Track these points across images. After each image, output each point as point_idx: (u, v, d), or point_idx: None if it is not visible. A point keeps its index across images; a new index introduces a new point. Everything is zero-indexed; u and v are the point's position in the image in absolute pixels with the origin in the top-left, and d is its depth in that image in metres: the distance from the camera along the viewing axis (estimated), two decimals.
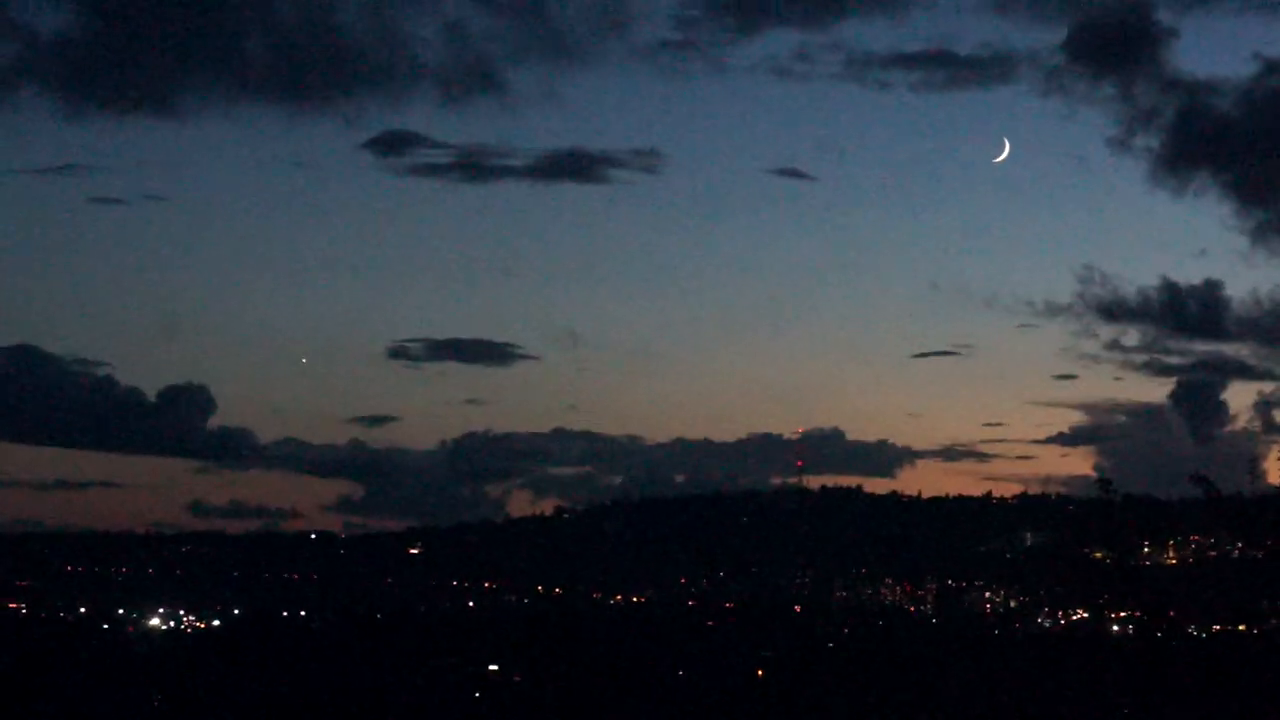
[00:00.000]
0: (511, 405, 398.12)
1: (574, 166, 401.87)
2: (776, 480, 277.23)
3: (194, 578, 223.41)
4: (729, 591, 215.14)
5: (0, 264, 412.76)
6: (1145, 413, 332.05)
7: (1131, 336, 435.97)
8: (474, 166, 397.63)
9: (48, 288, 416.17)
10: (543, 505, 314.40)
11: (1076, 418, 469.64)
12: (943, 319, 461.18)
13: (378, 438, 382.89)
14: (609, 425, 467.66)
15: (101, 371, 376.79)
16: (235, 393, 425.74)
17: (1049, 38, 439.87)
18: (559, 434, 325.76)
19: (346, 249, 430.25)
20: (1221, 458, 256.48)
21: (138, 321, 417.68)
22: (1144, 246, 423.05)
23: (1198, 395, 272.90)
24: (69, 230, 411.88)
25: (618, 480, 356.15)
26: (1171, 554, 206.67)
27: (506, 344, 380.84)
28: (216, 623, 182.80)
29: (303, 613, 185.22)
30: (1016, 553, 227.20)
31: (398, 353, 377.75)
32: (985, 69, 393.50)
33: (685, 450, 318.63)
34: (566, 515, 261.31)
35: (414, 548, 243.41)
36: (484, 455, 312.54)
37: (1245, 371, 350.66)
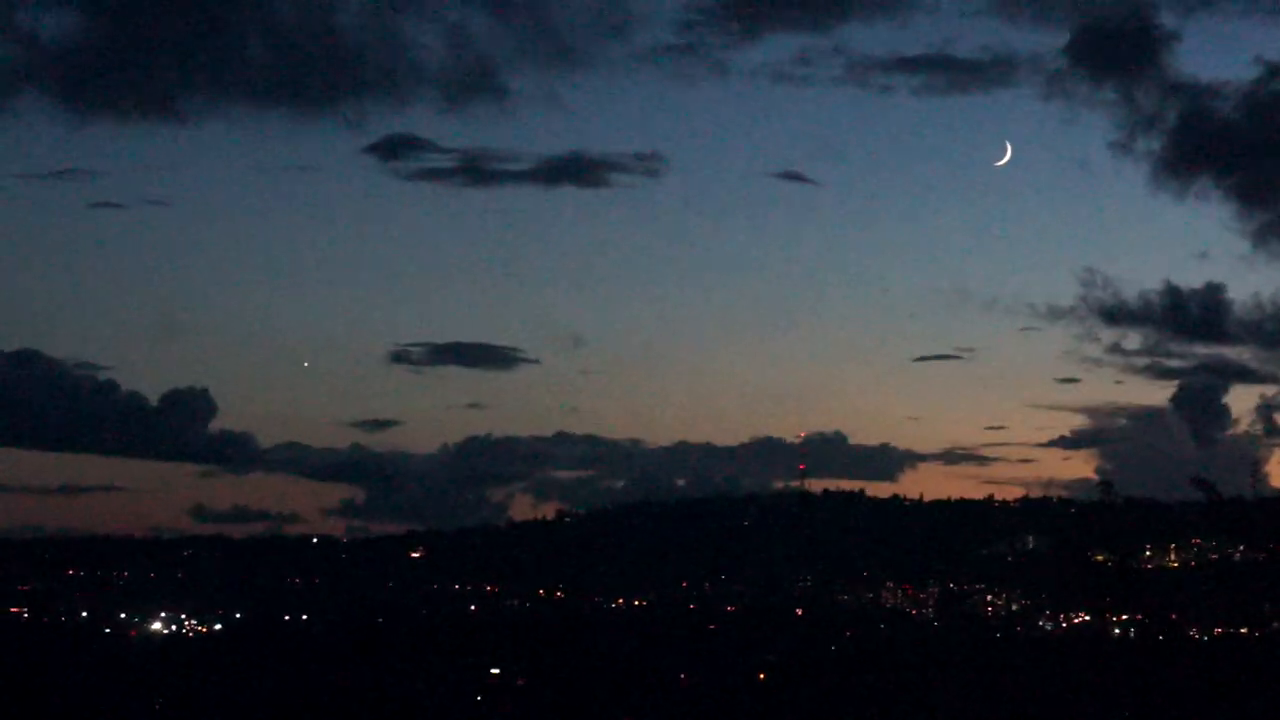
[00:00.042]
0: (513, 409, 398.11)
1: (575, 170, 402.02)
2: (778, 484, 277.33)
3: (196, 582, 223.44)
4: (731, 595, 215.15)
5: (2, 268, 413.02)
6: (1147, 416, 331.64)
7: (1133, 340, 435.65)
8: (476, 170, 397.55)
9: (49, 292, 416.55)
10: (545, 509, 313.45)
11: (1078, 421, 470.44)
12: (944, 322, 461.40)
13: (379, 441, 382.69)
14: (611, 429, 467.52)
15: (103, 376, 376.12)
16: (237, 397, 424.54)
17: (1051, 41, 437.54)
18: (561, 437, 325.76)
19: (348, 253, 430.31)
20: (1223, 461, 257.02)
21: (139, 326, 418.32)
22: (1146, 250, 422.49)
23: (1199, 398, 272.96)
24: (71, 235, 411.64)
25: (620, 484, 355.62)
26: (1173, 557, 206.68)
27: (508, 348, 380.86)
28: (218, 626, 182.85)
29: (305, 616, 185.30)
30: (1018, 556, 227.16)
31: (399, 356, 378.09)
32: (987, 73, 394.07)
33: (687, 454, 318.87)
34: (568, 519, 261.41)
35: (416, 551, 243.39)
36: (486, 459, 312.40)
37: (1247, 375, 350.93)
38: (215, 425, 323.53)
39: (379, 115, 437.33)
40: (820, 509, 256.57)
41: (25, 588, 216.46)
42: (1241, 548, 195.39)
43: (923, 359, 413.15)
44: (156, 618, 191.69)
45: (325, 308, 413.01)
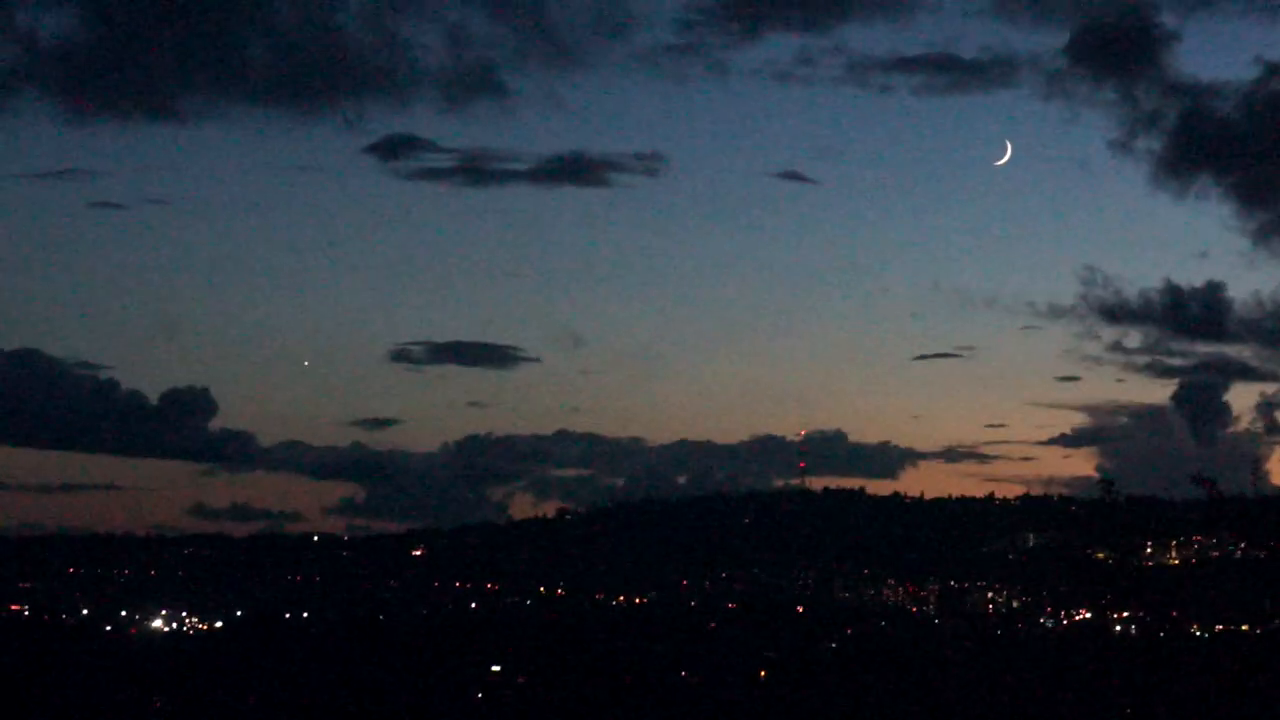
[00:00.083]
0: (513, 408, 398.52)
1: (576, 170, 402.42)
2: (779, 482, 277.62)
3: (196, 580, 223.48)
4: (731, 593, 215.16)
5: (2, 268, 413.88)
6: (1147, 414, 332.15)
7: (1134, 338, 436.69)
8: (476, 170, 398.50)
9: (50, 292, 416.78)
10: (545, 507, 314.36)
11: (1079, 419, 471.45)
12: (945, 321, 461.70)
13: (380, 440, 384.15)
14: (611, 427, 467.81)
15: (104, 375, 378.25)
16: (237, 395, 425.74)
17: (1051, 41, 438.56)
18: (561, 436, 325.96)
19: (348, 252, 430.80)
20: (1224, 459, 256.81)
21: (140, 325, 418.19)
22: (1146, 248, 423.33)
23: (1200, 396, 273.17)
24: (71, 234, 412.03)
25: (620, 482, 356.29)
26: (1174, 555, 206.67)
27: (508, 347, 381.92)
28: (219, 624, 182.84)
29: (305, 614, 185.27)
30: (1019, 553, 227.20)
31: (400, 355, 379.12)
32: (987, 72, 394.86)
33: (687, 452, 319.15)
34: (569, 517, 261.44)
35: (416, 550, 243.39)
36: (486, 457, 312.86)
37: (1247, 373, 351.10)
38: (216, 424, 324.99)
39: (379, 115, 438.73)
40: (821, 507, 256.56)
41: (26, 586, 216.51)
42: (1242, 545, 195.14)
43: (923, 357, 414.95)
44: (157, 616, 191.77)
45: (325, 307, 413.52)
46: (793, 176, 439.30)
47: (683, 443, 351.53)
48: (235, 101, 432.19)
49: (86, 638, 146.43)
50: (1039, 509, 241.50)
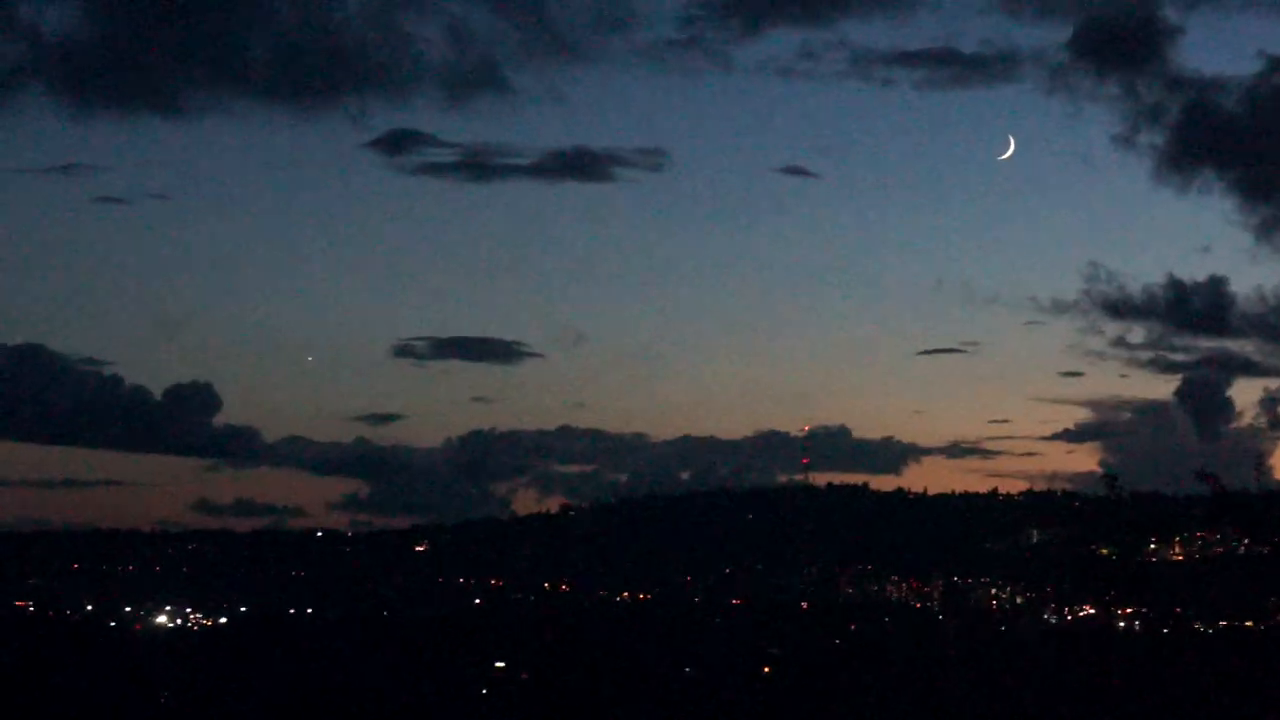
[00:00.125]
0: (517, 403, 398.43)
1: (579, 165, 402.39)
2: (782, 478, 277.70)
3: (200, 575, 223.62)
4: (735, 589, 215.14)
5: (6, 263, 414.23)
6: (1151, 409, 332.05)
7: (1137, 333, 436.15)
8: (479, 165, 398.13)
9: (53, 287, 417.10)
10: (549, 503, 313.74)
11: (1082, 414, 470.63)
12: (948, 316, 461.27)
13: (383, 436, 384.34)
14: (615, 423, 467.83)
15: (107, 370, 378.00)
16: (241, 391, 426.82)
17: (1054, 36, 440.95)
18: (564, 431, 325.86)
19: (351, 248, 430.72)
20: (1227, 454, 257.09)
21: (143, 321, 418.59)
22: (1149, 243, 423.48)
23: (1203, 392, 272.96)
24: (74, 230, 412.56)
25: (624, 478, 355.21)
26: (1178, 550, 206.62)
27: (512, 342, 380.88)
28: (223, 620, 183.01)
29: (309, 610, 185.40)
30: (1023, 549, 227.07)
31: (403, 351, 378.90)
32: (990, 67, 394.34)
33: (691, 448, 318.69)
34: (572, 513, 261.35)
35: (420, 545, 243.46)
36: (490, 453, 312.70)
37: (1251, 368, 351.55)
38: (219, 420, 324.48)
39: (381, 110, 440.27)
40: (824, 503, 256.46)
41: (31, 582, 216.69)
42: (1246, 541, 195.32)
43: (926, 353, 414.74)
44: (161, 611, 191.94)
45: (328, 302, 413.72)
46: (795, 171, 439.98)
47: (686, 438, 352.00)
48: (238, 97, 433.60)
49: (91, 634, 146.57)
50: (1043, 505, 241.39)
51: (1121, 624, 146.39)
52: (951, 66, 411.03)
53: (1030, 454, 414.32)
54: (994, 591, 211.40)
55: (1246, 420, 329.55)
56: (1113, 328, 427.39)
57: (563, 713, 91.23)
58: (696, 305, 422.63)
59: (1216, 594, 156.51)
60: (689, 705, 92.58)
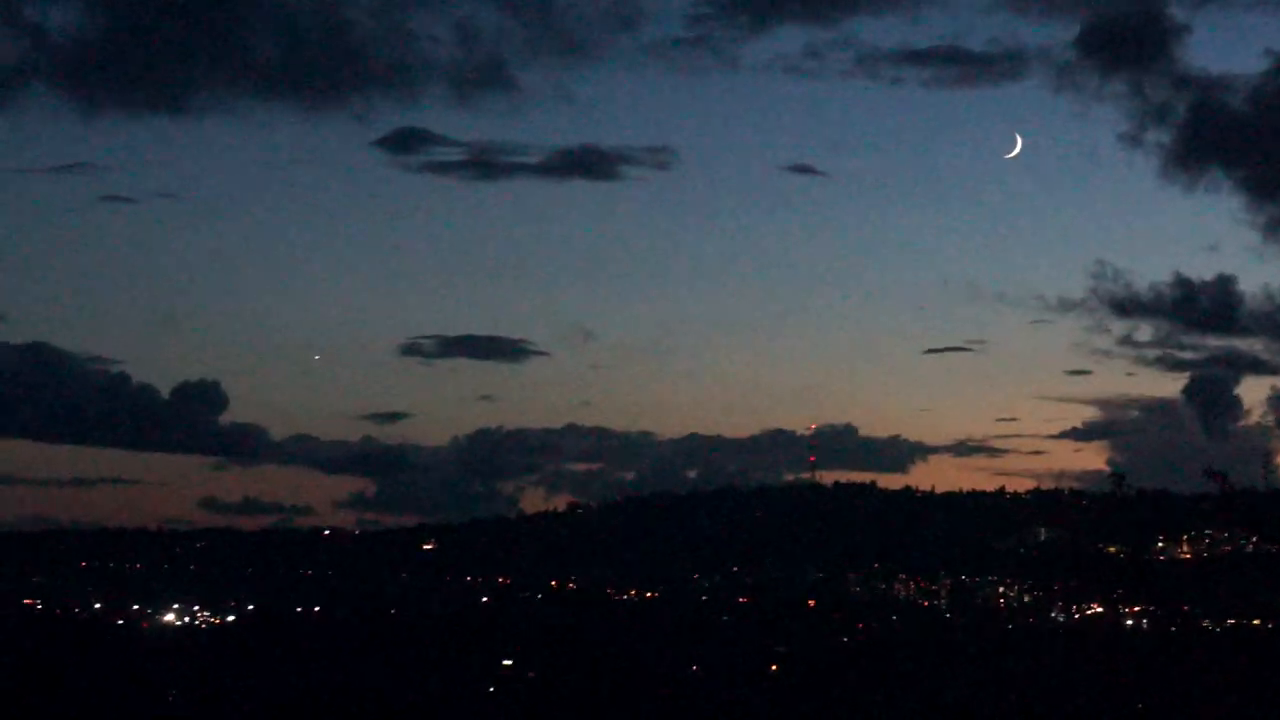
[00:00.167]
0: (524, 401, 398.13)
1: (585, 163, 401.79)
2: (789, 476, 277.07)
3: (208, 574, 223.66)
4: (742, 587, 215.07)
5: (13, 262, 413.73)
6: (1158, 408, 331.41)
7: (1144, 332, 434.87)
8: (485, 164, 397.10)
9: (59, 286, 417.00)
10: (556, 501, 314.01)
11: (1089, 413, 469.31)
12: (955, 315, 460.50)
13: (390, 434, 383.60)
14: (621, 421, 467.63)
15: (114, 369, 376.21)
16: (248, 389, 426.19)
17: (1061, 34, 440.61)
18: (571, 430, 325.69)
19: (358, 246, 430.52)
20: (1235, 453, 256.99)
21: (150, 319, 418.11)
22: (1156, 242, 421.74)
23: (1211, 390, 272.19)
24: (80, 228, 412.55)
25: (630, 476, 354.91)
26: (1185, 549, 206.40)
27: (519, 340, 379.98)
28: (230, 618, 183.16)
29: (316, 609, 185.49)
30: (1030, 548, 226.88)
31: (410, 349, 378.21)
32: (997, 65, 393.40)
33: (698, 446, 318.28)
34: (579, 511, 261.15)
35: (427, 544, 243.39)
36: (497, 451, 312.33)
37: (1258, 366, 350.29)
38: (226, 418, 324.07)
39: (388, 109, 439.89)
40: (831, 501, 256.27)
41: (38, 580, 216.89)
42: (1254, 539, 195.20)
43: (933, 351, 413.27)
44: (169, 609, 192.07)
45: (335, 301, 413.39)
46: (803, 169, 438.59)
47: (693, 437, 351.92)
48: (244, 95, 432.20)
49: (98, 632, 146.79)
50: (1050, 503, 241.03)
51: (1129, 622, 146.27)
52: (958, 65, 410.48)
53: (1037, 452, 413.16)
54: (1001, 590, 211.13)
55: (1254, 418, 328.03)
56: (1120, 326, 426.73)
57: (570, 711, 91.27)
58: (703, 303, 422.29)
59: (1224, 592, 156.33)
60: (696, 703, 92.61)
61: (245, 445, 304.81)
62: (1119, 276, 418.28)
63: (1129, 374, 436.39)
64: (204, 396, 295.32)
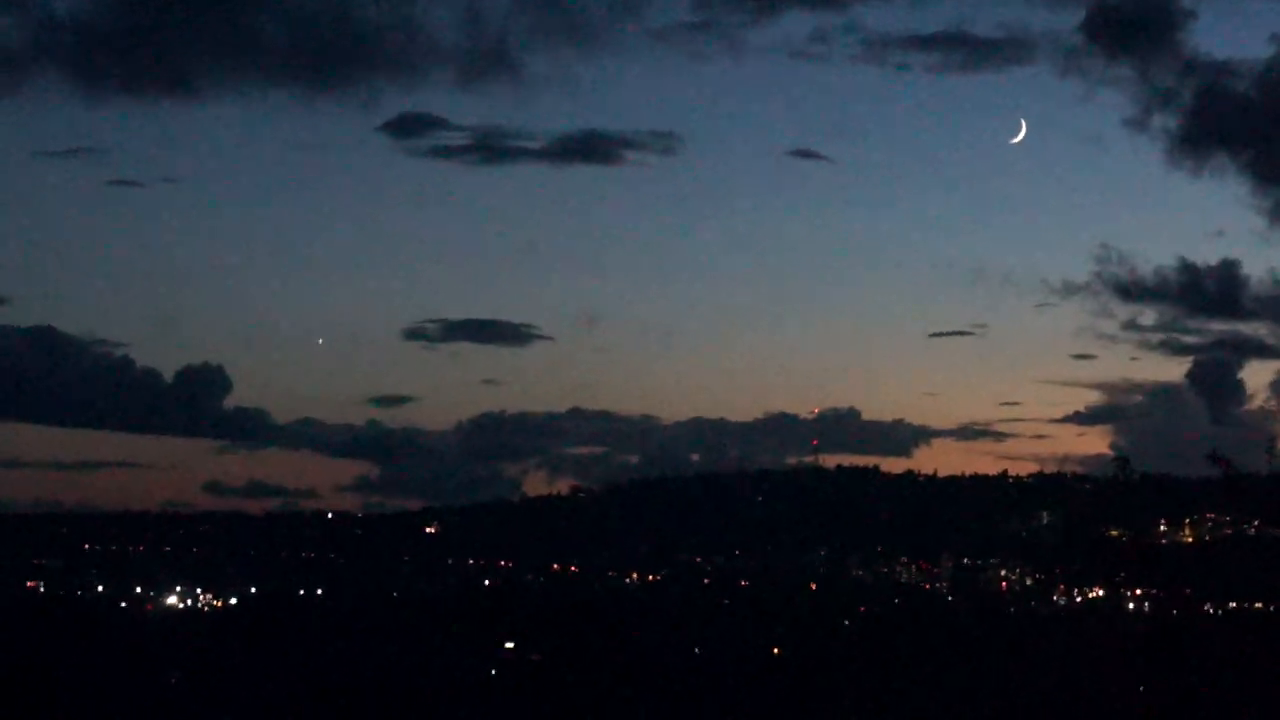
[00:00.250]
0: (527, 385, 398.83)
1: (590, 148, 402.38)
2: (792, 460, 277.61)
3: (211, 557, 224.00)
4: (744, 570, 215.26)
5: (19, 246, 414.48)
6: (1162, 392, 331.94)
7: (1149, 316, 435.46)
8: (490, 148, 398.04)
9: (65, 270, 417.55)
10: (559, 485, 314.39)
11: (1093, 397, 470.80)
12: (959, 299, 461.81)
13: (394, 418, 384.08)
14: (625, 405, 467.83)
15: (119, 352, 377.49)
16: (252, 373, 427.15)
17: (1067, 19, 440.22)
18: (575, 414, 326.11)
19: (363, 230, 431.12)
20: (1239, 437, 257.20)
21: (155, 303, 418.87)
22: (1161, 226, 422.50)
23: (1215, 374, 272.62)
24: (86, 212, 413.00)
25: (634, 459, 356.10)
26: (1188, 533, 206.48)
27: (522, 324, 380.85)
28: (234, 601, 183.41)
29: (319, 591, 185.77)
30: (1033, 532, 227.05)
31: (414, 333, 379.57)
32: (1003, 50, 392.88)
33: (701, 430, 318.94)
34: (583, 495, 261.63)
35: (431, 527, 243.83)
36: (500, 435, 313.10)
37: (1263, 350, 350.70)
38: (230, 401, 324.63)
39: (393, 93, 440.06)
40: (834, 485, 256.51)
41: (42, 563, 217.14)
42: (1257, 523, 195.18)
43: (937, 335, 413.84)
44: (172, 593, 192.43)
45: (339, 285, 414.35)
46: (808, 154, 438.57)
47: (696, 420, 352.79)
48: (250, 79, 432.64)
49: (102, 615, 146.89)
50: (1053, 487, 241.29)
51: (1131, 606, 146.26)
52: (964, 50, 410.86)
53: (1041, 436, 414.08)
54: (1004, 573, 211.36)
55: (1258, 403, 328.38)
56: (1124, 310, 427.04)
57: (573, 693, 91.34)
58: (707, 288, 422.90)
59: (1227, 576, 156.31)
60: (698, 686, 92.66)
61: (249, 429, 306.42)
62: (1124, 261, 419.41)
63: (1133, 358, 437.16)
64: (208, 380, 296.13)
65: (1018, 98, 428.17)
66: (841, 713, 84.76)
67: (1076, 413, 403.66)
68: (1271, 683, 73.21)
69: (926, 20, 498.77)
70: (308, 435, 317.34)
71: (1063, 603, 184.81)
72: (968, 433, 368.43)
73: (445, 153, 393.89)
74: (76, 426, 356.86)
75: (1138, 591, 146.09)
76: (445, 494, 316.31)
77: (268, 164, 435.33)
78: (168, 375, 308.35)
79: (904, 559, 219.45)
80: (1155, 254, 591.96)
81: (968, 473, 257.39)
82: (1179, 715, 72.67)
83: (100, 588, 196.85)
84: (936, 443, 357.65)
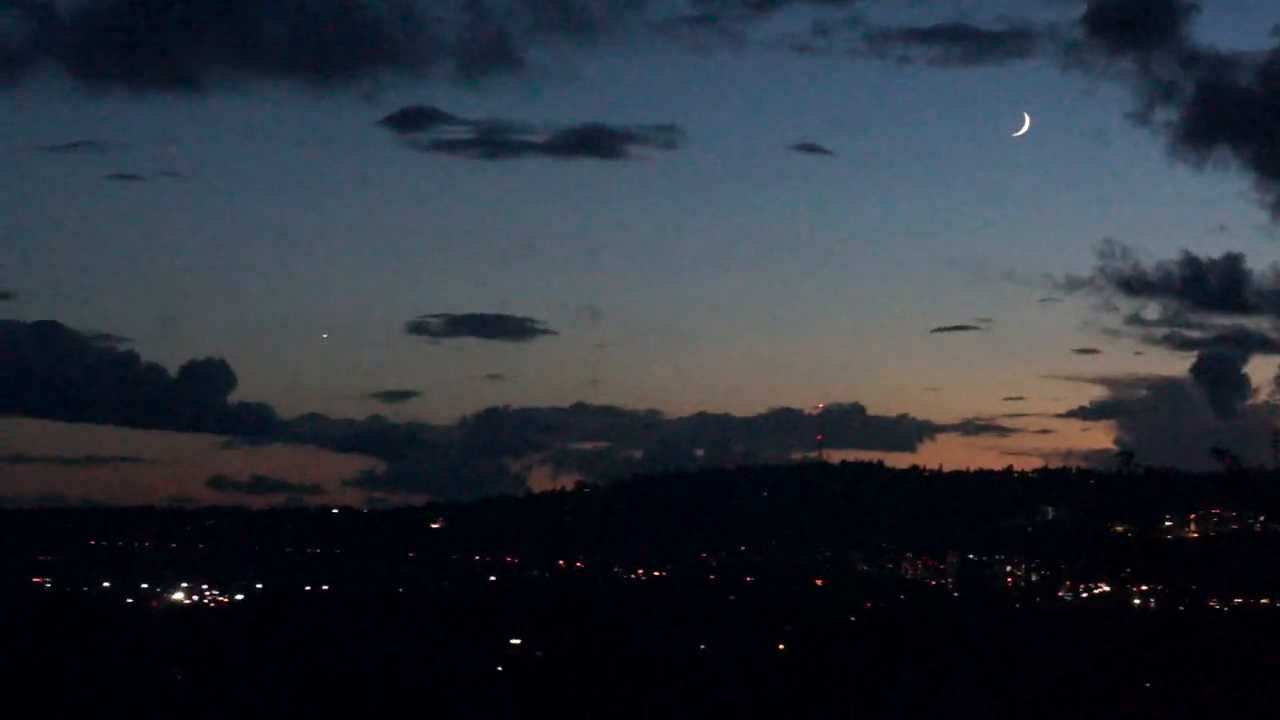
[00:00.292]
0: (532, 380, 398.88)
1: (593, 142, 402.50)
2: (797, 455, 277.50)
3: (216, 552, 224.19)
4: (749, 566, 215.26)
5: (21, 240, 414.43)
6: (1166, 386, 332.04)
7: (1152, 310, 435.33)
8: (493, 142, 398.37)
9: (68, 265, 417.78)
10: (563, 480, 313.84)
11: (1097, 392, 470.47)
12: (963, 293, 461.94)
13: (399, 413, 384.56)
14: (629, 400, 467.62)
15: (122, 347, 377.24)
16: (256, 368, 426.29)
17: (1068, 12, 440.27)
18: (579, 409, 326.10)
19: (366, 225, 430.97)
20: (1243, 431, 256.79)
21: (158, 298, 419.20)
22: (1164, 220, 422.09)
23: (1219, 369, 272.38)
24: (88, 207, 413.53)
25: (638, 455, 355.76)
26: (1193, 528, 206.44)
27: (526, 319, 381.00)
28: (239, 597, 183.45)
29: (324, 587, 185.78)
30: (1037, 527, 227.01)
31: (418, 328, 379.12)
32: (1005, 43, 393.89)
33: (705, 425, 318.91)
34: (587, 490, 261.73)
35: (435, 522, 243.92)
36: (505, 430, 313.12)
37: (1267, 345, 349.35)
38: (234, 397, 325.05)
39: (395, 87, 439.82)
40: (839, 480, 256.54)
41: (47, 559, 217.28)
42: (1262, 518, 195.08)
43: (941, 330, 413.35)
44: (178, 588, 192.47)
45: (343, 279, 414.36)
46: (810, 148, 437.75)
47: (701, 415, 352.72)
48: (252, 73, 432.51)
49: (107, 611, 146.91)
50: (1057, 482, 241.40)
51: (1136, 601, 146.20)
52: (966, 43, 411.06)
53: (1045, 431, 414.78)
54: (1009, 569, 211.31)
55: (1262, 397, 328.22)
56: (1128, 305, 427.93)
57: (577, 690, 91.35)
58: (711, 282, 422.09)
59: (1232, 571, 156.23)
60: (703, 681, 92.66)
61: (253, 424, 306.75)
62: (1127, 255, 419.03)
63: (1137, 353, 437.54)
64: (212, 375, 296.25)
65: (1020, 91, 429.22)
66: (847, 709, 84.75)
67: (1081, 408, 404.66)
68: (1277, 678, 73.19)
69: (928, 13, 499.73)
70: (312, 430, 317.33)
71: (1068, 598, 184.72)
72: (972, 428, 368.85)
73: (448, 147, 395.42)
74: (81, 422, 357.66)
75: (1143, 587, 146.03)
76: (450, 489, 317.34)
77: (270, 158, 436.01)
78: (172, 370, 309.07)
79: (909, 554, 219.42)
80: (1158, 248, 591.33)
81: (972, 468, 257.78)
82: (1184, 711, 72.67)
83: (105, 584, 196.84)
84: (941, 438, 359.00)
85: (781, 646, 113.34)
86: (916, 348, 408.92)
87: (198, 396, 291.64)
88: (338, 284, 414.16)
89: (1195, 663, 78.47)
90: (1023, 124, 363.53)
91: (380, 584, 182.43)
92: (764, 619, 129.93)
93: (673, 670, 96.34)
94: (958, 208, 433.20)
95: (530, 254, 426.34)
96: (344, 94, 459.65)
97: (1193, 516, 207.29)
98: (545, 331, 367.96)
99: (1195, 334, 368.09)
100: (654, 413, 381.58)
